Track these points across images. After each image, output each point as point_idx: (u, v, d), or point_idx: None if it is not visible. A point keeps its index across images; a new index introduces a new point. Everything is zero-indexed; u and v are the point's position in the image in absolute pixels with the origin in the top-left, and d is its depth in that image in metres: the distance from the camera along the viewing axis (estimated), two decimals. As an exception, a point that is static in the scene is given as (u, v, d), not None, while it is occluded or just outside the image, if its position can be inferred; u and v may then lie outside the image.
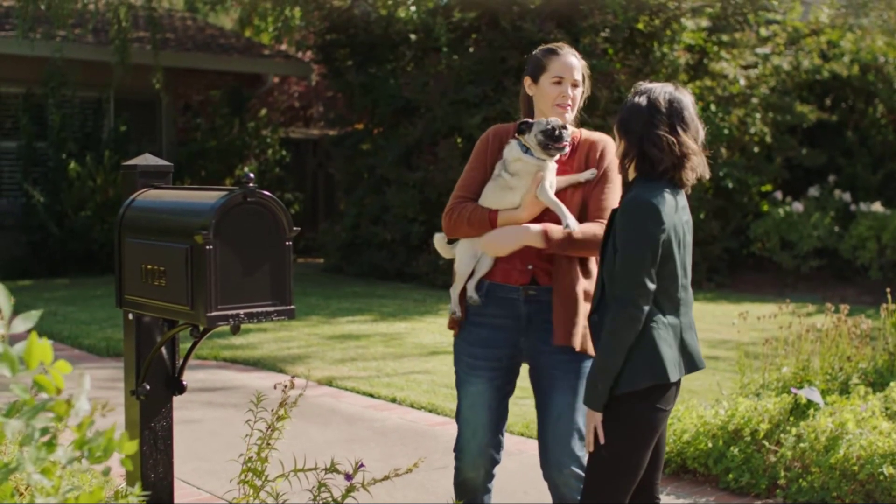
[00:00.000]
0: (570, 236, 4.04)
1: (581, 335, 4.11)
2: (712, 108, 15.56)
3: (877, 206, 15.82)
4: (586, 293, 4.13)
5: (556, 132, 4.09)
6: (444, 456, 6.04)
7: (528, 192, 4.12)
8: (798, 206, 16.00)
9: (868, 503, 5.42)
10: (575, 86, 4.26)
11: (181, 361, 3.85)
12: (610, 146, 4.24)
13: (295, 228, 3.45)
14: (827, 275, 15.91)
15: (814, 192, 16.58)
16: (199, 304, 3.34)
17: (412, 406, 7.85)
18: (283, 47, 19.87)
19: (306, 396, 7.94)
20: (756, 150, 16.42)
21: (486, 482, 4.39)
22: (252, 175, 3.35)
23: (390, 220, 15.61)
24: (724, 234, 16.35)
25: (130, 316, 3.77)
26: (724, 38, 16.14)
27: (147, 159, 3.85)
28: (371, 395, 8.20)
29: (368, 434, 7.09)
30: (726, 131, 15.61)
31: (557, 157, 4.17)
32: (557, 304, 4.11)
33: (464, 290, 4.30)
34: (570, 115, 4.24)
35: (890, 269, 14.98)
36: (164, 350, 3.81)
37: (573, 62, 4.26)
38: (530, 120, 4.20)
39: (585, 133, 4.32)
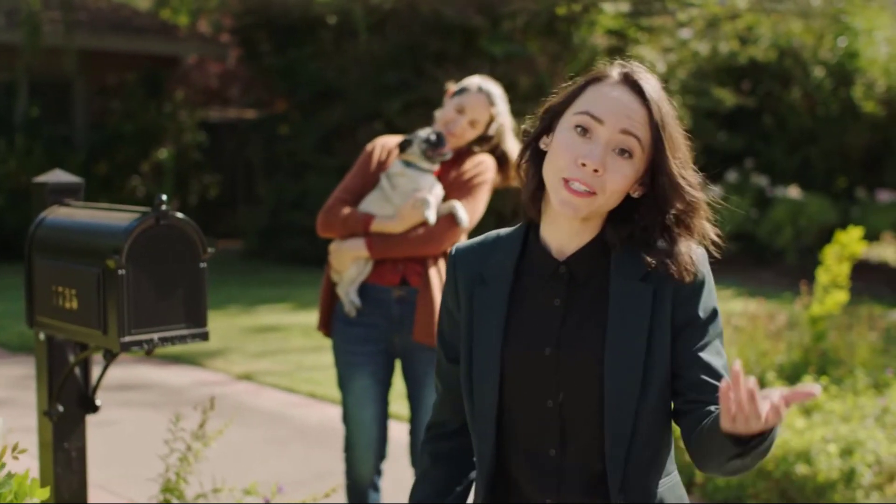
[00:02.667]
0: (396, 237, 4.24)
1: None
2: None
3: (793, 191, 16.04)
4: None
5: (437, 139, 4.23)
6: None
7: (405, 203, 4.24)
8: (716, 191, 16.13)
9: (783, 502, 5.50)
10: (472, 124, 4.36)
11: (95, 381, 3.78)
12: (487, 163, 4.40)
13: (210, 250, 3.39)
14: (744, 259, 16.08)
15: (732, 176, 16.74)
16: (111, 328, 3.27)
17: (332, 402, 7.81)
18: (202, 29, 19.58)
19: (225, 394, 7.89)
20: (675, 134, 16.51)
21: (375, 478, 4.48)
22: (164, 197, 3.28)
23: (310, 206, 15.44)
24: (643, 219, 16.42)
25: (42, 336, 3.68)
26: (644, 22, 16.19)
27: (57, 175, 3.75)
28: (291, 391, 8.15)
29: (289, 433, 7.04)
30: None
31: (437, 166, 4.30)
32: (420, 305, 4.24)
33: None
34: (447, 150, 4.30)
35: (806, 253, 15.19)
36: (77, 369, 3.73)
37: (481, 103, 4.34)
38: (409, 136, 4.30)
39: (478, 156, 4.44)
